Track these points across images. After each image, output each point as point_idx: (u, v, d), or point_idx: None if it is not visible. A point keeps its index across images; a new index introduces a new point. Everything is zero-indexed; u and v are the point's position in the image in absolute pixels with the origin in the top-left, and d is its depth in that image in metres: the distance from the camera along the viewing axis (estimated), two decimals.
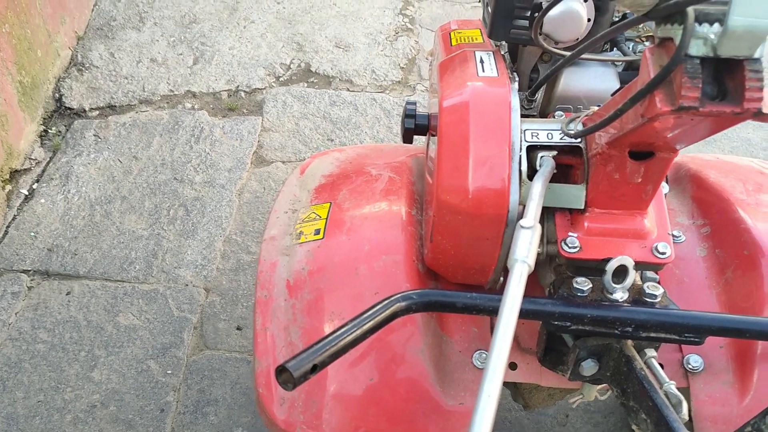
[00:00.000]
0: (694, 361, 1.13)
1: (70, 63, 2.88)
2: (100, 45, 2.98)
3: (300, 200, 1.38)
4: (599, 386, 1.14)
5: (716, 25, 0.68)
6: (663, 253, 1.00)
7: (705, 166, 1.42)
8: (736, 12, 0.65)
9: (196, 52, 2.97)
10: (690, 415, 1.12)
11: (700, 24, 0.68)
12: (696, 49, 0.70)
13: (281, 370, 0.79)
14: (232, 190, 2.42)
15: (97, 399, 1.85)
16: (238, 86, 2.84)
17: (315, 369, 0.81)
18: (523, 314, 0.96)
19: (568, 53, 1.00)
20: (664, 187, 1.12)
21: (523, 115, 1.09)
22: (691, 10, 0.68)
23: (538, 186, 0.91)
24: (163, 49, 2.98)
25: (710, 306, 1.18)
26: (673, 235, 1.28)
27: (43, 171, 2.47)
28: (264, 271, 1.21)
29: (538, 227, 0.84)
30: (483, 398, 0.62)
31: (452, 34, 1.44)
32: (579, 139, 1.01)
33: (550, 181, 1.01)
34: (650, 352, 1.03)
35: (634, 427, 0.99)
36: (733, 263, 1.21)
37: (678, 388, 1.12)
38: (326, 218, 1.28)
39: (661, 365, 1.13)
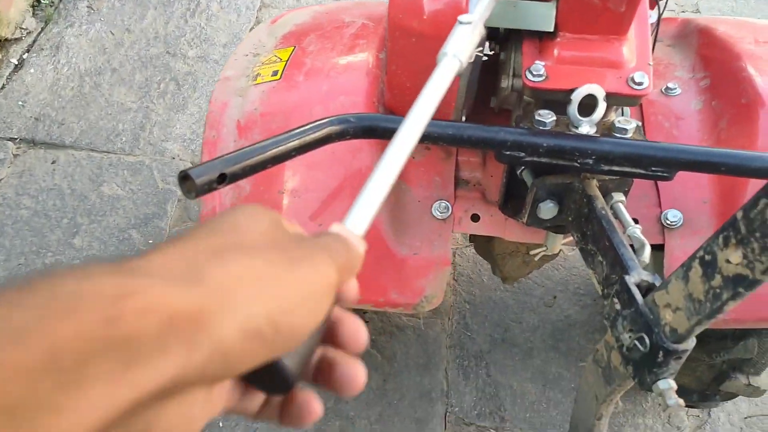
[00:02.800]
0: (673, 216, 1.04)
1: None
2: None
3: (264, 45, 1.28)
4: (563, 239, 1.05)
5: None
6: (639, 84, 0.89)
7: (715, 21, 1.28)
8: None
9: None
10: (662, 272, 1.04)
11: None
12: None
13: (184, 177, 0.72)
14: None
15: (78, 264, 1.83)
16: None
17: (223, 179, 0.73)
18: (474, 142, 0.87)
19: None
20: (651, 16, 0.99)
21: None
22: None
23: None
24: None
25: None
26: (668, 88, 1.16)
27: (34, 41, 2.39)
28: (214, 111, 1.13)
29: (481, 28, 0.73)
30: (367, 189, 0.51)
31: None
32: None
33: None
34: (617, 196, 0.93)
35: (590, 272, 0.91)
36: (728, 114, 1.09)
37: (653, 245, 1.04)
38: (287, 60, 1.18)
39: (636, 220, 1.04)
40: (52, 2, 2.51)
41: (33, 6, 2.48)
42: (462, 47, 0.67)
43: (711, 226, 1.03)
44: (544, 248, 1.06)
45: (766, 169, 0.82)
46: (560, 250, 1.07)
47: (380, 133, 0.86)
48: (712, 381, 1.28)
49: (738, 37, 1.19)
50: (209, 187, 0.72)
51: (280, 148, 0.79)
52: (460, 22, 0.70)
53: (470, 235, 1.44)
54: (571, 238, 1.01)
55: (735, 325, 1.03)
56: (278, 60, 1.19)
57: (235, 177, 0.75)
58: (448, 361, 1.67)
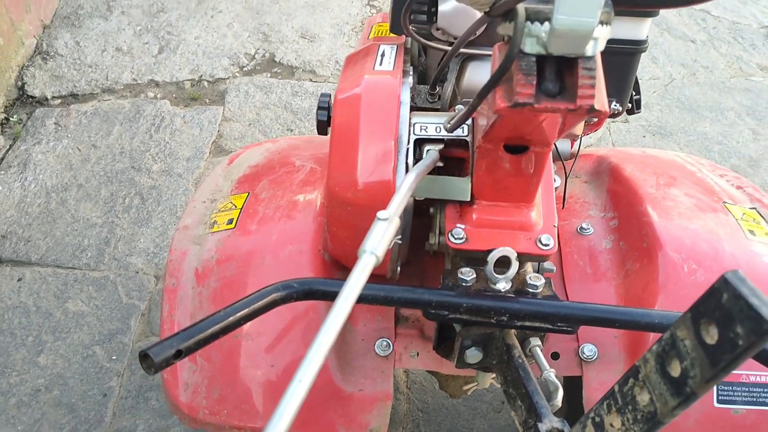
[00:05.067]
0: (589, 350, 1.16)
1: (34, 51, 2.90)
2: (66, 33, 2.99)
3: (221, 190, 1.40)
4: (492, 374, 1.16)
5: (546, 24, 0.70)
6: (546, 245, 1.02)
7: (625, 160, 1.44)
8: (560, 11, 0.67)
9: (161, 41, 2.99)
10: (582, 403, 1.15)
11: (532, 22, 0.70)
12: (530, 46, 0.72)
13: (144, 356, 0.82)
14: (189, 179, 2.44)
15: (42, 383, 1.88)
16: (201, 76, 2.85)
17: (180, 354, 0.83)
18: (404, 302, 0.99)
19: (448, 47, 1.02)
20: (556, 180, 1.14)
21: (425, 109, 1.11)
22: (521, 8, 0.70)
23: (409, 178, 0.93)
24: (129, 37, 3.00)
25: (608, 297, 1.20)
26: (582, 228, 1.31)
27: (2, 159, 2.49)
28: (174, 259, 1.24)
29: (397, 221, 0.85)
30: (294, 383, 0.64)
31: (374, 26, 1.46)
32: (465, 133, 1.03)
33: (441, 174, 1.04)
34: (535, 341, 1.05)
35: (512, 414, 1.02)
36: (633, 255, 1.23)
37: (572, 377, 1.16)
38: (241, 208, 1.31)
39: (558, 354, 1.16)
40: (20, 120, 2.62)
41: (2, 124, 2.59)
42: (378, 243, 0.79)
43: (621, 359, 1.15)
44: (476, 384, 1.17)
45: (655, 324, 0.95)
46: (491, 383, 1.18)
47: (320, 295, 0.98)
48: None
49: (642, 179, 1.35)
50: (166, 363, 0.82)
51: (230, 319, 0.90)
52: (378, 219, 0.83)
53: None
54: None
55: None
56: (234, 207, 1.31)
57: (190, 351, 0.85)
58: None
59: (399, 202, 0.88)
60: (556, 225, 1.06)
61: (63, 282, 2.12)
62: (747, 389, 1.10)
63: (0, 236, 2.23)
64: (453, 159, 1.08)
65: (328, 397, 1.14)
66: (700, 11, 3.19)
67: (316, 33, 3.06)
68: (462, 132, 1.04)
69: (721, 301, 0.58)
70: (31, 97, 2.71)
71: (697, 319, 0.61)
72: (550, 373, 0.99)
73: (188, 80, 2.83)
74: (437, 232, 1.10)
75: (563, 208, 1.34)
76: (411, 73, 1.10)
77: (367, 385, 1.16)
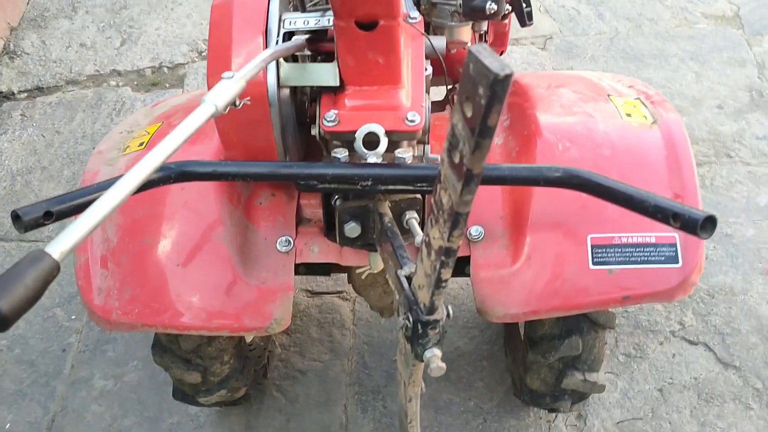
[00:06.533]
0: (475, 230, 1.23)
1: (2, 52, 3.02)
2: (32, 34, 3.11)
3: (139, 124, 1.49)
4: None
5: None
6: (412, 121, 1.10)
7: (523, 76, 1.51)
8: None
9: (123, 34, 3.10)
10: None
11: None
12: None
13: (15, 216, 0.89)
14: None
15: (4, 344, 1.96)
16: (161, 63, 2.96)
17: (50, 216, 0.91)
18: (274, 177, 1.07)
19: None
20: (427, 69, 1.21)
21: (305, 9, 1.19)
22: None
23: (266, 53, 1.00)
24: (93, 34, 3.11)
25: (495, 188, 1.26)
26: None
27: None
28: (87, 179, 1.32)
29: (242, 83, 0.92)
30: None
31: None
32: (329, 23, 1.11)
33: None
34: (410, 214, 1.13)
35: (388, 279, 1.08)
36: (517, 144, 1.30)
37: (463, 257, 1.22)
38: (153, 133, 1.39)
39: None
40: None
41: None
42: (219, 96, 0.87)
43: (506, 236, 1.22)
44: (368, 267, 1.24)
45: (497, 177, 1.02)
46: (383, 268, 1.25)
47: (196, 176, 1.05)
48: (555, 381, 1.44)
49: (534, 85, 1.42)
50: (36, 223, 0.90)
51: (107, 192, 0.98)
52: (223, 77, 0.90)
53: (347, 276, 1.62)
54: None
55: (532, 317, 1.20)
56: (146, 134, 1.40)
57: (63, 215, 0.93)
58: (347, 397, 1.80)
59: (249, 67, 0.95)
60: (425, 105, 1.13)
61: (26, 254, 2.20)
62: (619, 250, 1.16)
63: None
64: (325, 55, 1.16)
65: (232, 291, 1.22)
66: None
67: None
68: (328, 23, 1.12)
69: (470, 73, 0.66)
70: None
71: (461, 100, 0.68)
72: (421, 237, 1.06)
73: (149, 68, 2.94)
74: (317, 123, 1.18)
75: (451, 106, 1.41)
76: None
77: (269, 279, 1.24)
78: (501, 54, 1.66)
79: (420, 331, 0.91)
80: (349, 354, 1.89)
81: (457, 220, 0.76)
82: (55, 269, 0.63)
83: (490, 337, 1.91)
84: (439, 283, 0.85)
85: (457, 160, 0.73)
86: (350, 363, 1.88)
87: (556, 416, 1.73)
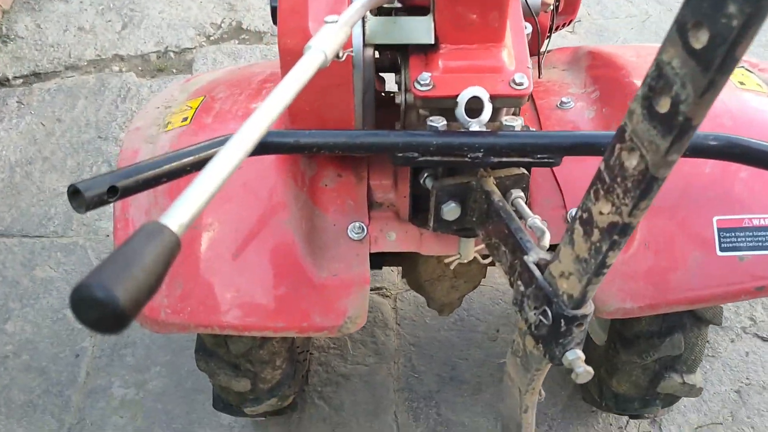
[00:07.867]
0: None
1: None
2: (26, 17, 2.91)
3: (176, 99, 1.31)
4: (476, 245, 1.07)
5: None
6: (520, 84, 0.94)
7: (607, 47, 1.37)
8: None
9: (125, 18, 2.91)
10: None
11: None
12: None
13: (73, 192, 0.72)
14: None
15: (10, 350, 1.77)
16: (167, 47, 2.77)
17: (115, 192, 0.74)
18: (367, 147, 0.91)
19: None
20: (527, 27, 1.05)
21: None
22: None
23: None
24: (92, 17, 2.91)
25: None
26: (563, 102, 1.23)
27: None
28: (125, 158, 1.15)
29: (347, 30, 0.76)
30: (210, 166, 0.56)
31: None
32: None
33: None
34: (516, 192, 0.97)
35: (497, 265, 0.93)
36: (617, 117, 1.15)
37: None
38: (197, 108, 1.22)
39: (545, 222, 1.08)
40: None
41: None
42: (327, 43, 0.70)
43: None
44: (458, 255, 1.08)
45: None
46: (474, 257, 1.09)
47: (273, 148, 0.89)
48: (648, 384, 1.29)
49: (620, 54, 1.28)
50: (99, 201, 0.73)
51: (174, 164, 0.81)
52: (326, 22, 0.74)
53: (402, 269, 1.46)
54: (483, 245, 1.03)
55: (649, 312, 1.05)
56: (189, 108, 1.22)
57: (129, 191, 0.76)
58: (396, 404, 1.64)
59: (351, 12, 0.79)
60: (530, 66, 0.98)
61: (30, 251, 2.01)
62: (750, 233, 1.02)
63: None
64: (416, 8, 1.00)
65: (300, 285, 1.05)
66: None
67: None
68: None
69: None
70: None
71: (683, 28, 0.53)
72: (535, 219, 0.91)
73: (154, 52, 2.75)
74: (403, 89, 1.02)
75: (540, 76, 1.26)
76: None
77: (341, 270, 1.07)
78: (570, 22, 1.51)
79: (563, 328, 0.75)
80: (395, 356, 1.73)
81: (650, 187, 0.61)
82: (176, 246, 0.46)
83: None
84: (601, 270, 0.69)
85: (665, 108, 0.57)
86: (397, 366, 1.71)
87: (627, 422, 1.58)
